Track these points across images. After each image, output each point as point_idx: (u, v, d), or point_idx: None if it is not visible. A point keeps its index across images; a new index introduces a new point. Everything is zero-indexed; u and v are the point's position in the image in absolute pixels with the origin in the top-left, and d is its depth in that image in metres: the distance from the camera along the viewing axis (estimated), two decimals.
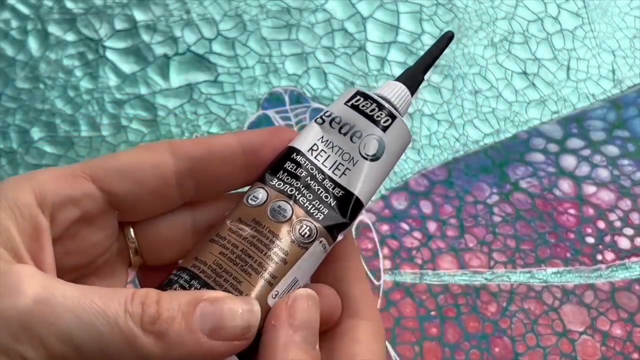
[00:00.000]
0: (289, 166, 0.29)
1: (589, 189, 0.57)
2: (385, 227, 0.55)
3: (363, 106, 0.30)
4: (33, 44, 0.59)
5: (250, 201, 0.29)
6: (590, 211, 0.56)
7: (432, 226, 0.55)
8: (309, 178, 0.29)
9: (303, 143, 0.30)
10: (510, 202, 0.56)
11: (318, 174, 0.29)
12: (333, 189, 0.29)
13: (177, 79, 0.59)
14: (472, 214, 0.56)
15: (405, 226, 0.55)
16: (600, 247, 0.55)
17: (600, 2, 0.65)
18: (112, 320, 0.23)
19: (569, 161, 0.58)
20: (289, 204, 0.28)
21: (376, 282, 0.52)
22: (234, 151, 0.29)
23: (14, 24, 0.60)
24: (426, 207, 0.56)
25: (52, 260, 0.26)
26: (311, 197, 0.29)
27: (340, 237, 0.29)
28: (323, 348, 0.28)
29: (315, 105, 0.59)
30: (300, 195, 0.29)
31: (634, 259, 0.55)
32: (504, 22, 0.64)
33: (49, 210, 0.26)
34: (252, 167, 0.30)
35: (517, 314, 0.52)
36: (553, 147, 0.59)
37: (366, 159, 0.29)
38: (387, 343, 0.50)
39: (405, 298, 0.52)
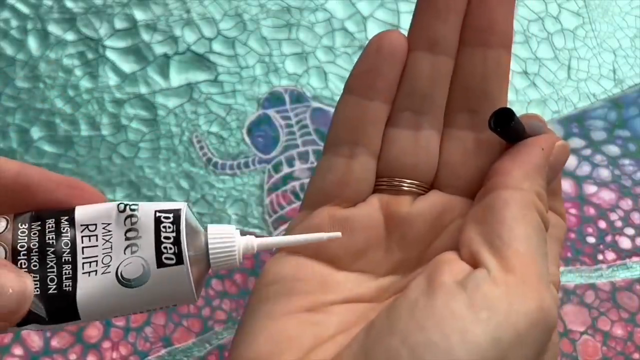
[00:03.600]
0: (47, 224, 0.25)
1: (590, 188, 0.57)
2: None
3: (164, 227, 0.25)
4: (33, 43, 0.59)
5: None
6: (591, 211, 0.56)
7: None
8: (51, 250, 0.25)
9: (85, 214, 0.25)
10: None
11: (67, 254, 0.25)
12: (66, 279, 0.24)
13: (177, 78, 0.59)
14: None
15: None
16: (601, 246, 0.55)
17: (601, 1, 0.65)
18: None
19: (569, 161, 0.58)
20: (6, 254, 0.24)
21: None
22: (4, 180, 0.26)
23: (14, 23, 0.60)
24: None
25: None
26: (36, 267, 0.24)
27: (29, 328, 0.24)
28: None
29: (316, 104, 0.59)
30: (25, 258, 0.24)
31: (635, 258, 0.54)
32: None
33: None
34: (18, 204, 0.26)
35: None
36: None
37: (119, 279, 0.24)
38: None
39: None
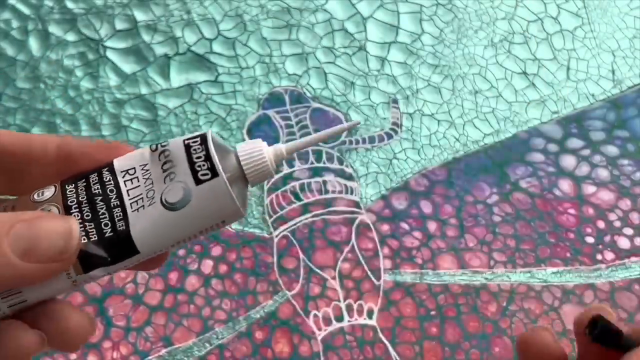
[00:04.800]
0: (91, 178, 0.27)
1: (589, 188, 0.57)
2: (385, 227, 0.55)
3: (194, 150, 0.26)
4: (34, 44, 0.60)
5: (36, 196, 0.26)
6: (590, 211, 0.56)
7: (432, 226, 0.55)
8: (99, 198, 0.26)
9: (123, 162, 0.27)
10: (510, 202, 0.56)
11: (115, 198, 0.26)
12: (119, 220, 0.26)
13: (177, 78, 0.59)
14: (472, 213, 0.56)
15: (405, 226, 0.55)
16: (600, 246, 0.55)
17: (600, 2, 0.65)
18: None
19: (568, 161, 0.58)
20: (59, 211, 0.26)
21: (376, 282, 0.52)
22: (47, 154, 0.27)
23: (15, 24, 0.60)
24: (426, 207, 0.56)
25: None
26: (89, 217, 0.26)
27: (97, 273, 0.26)
28: None
29: (316, 105, 0.59)
30: (77, 210, 0.26)
31: (633, 258, 0.55)
32: (504, 22, 0.64)
33: None
34: (64, 174, 0.27)
35: (517, 314, 0.52)
36: (553, 147, 0.59)
37: (164, 205, 0.26)
38: (387, 342, 0.50)
39: (406, 298, 0.52)
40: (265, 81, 0.60)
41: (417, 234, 0.55)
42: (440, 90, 0.61)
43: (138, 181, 0.26)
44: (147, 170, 0.27)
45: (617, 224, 0.56)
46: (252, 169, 0.27)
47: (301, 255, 0.53)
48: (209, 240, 0.53)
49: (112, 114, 0.57)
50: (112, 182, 0.27)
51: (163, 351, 0.49)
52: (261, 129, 0.58)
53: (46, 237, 0.24)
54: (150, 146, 0.27)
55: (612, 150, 0.58)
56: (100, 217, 0.26)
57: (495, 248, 0.54)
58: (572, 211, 0.56)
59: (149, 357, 0.49)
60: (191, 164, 0.26)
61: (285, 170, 0.56)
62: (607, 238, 0.55)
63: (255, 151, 0.27)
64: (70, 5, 0.61)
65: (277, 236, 0.54)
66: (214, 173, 0.26)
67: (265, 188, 0.55)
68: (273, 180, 0.56)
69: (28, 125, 0.56)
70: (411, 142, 0.58)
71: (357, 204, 0.55)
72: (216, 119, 0.58)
